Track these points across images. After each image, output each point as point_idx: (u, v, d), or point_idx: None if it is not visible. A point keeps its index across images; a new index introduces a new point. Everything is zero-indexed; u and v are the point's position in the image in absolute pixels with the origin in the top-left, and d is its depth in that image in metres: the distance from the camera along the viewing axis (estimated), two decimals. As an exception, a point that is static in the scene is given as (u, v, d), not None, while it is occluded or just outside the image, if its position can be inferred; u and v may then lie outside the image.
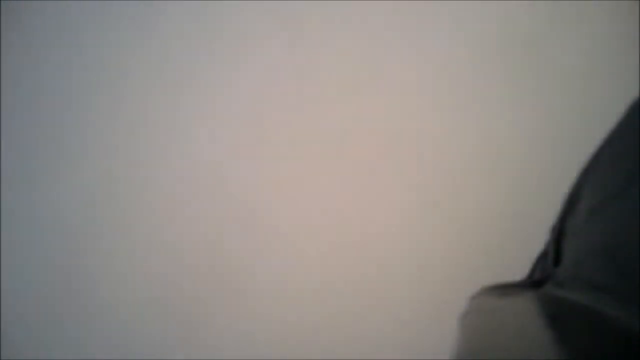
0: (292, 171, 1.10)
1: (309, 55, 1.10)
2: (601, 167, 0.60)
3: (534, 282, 0.69)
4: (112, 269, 1.12)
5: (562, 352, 0.47)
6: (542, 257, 0.71)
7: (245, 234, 1.10)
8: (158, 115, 1.12)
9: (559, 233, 0.66)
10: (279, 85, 1.11)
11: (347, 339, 1.07)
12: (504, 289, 0.70)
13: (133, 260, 1.12)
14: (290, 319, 1.08)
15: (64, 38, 1.15)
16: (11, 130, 1.13)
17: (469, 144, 1.07)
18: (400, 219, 1.08)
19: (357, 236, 1.09)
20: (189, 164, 1.12)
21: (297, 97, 1.10)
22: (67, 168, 1.14)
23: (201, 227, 1.11)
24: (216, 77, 1.11)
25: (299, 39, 1.10)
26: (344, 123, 1.09)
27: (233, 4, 1.11)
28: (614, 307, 0.48)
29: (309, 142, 1.10)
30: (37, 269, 1.12)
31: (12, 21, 1.10)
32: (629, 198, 0.50)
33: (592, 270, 0.53)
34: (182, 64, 1.13)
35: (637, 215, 0.48)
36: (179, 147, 1.12)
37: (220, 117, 1.12)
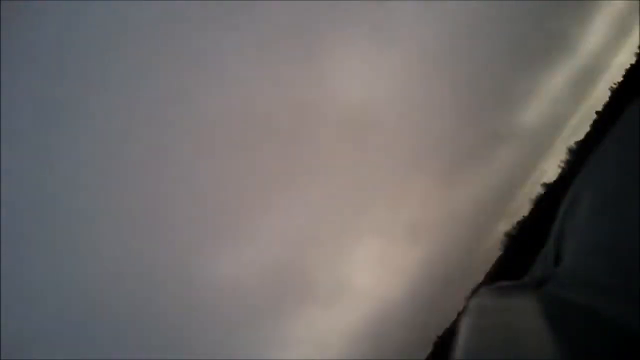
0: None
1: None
2: (601, 168, 0.60)
3: (534, 282, 0.70)
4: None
5: (562, 352, 0.47)
6: (542, 257, 0.71)
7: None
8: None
9: (559, 233, 0.66)
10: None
11: (346, 339, 1.07)
12: (504, 289, 0.71)
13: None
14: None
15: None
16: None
17: (466, 142, 1.07)
18: (399, 219, 1.09)
19: (356, 234, 1.09)
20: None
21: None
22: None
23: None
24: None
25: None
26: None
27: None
28: (614, 306, 0.48)
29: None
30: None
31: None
32: (629, 199, 0.51)
33: (592, 270, 0.54)
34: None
35: (637, 216, 0.48)
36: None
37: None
